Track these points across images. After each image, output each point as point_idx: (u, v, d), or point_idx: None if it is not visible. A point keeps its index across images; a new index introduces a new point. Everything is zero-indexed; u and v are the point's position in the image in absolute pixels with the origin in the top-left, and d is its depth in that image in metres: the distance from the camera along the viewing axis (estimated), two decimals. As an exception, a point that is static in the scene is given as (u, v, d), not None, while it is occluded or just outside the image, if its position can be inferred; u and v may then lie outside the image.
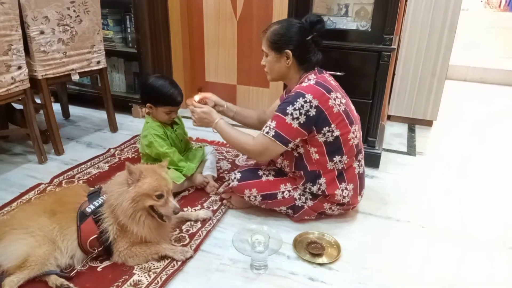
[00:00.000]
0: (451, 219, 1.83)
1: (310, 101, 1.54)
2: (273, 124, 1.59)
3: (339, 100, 1.60)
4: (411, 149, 2.58)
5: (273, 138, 1.58)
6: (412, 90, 2.88)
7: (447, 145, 2.69)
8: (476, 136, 2.86)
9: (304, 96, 1.55)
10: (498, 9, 5.12)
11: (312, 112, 1.55)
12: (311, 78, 1.61)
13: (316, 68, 1.67)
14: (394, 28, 2.01)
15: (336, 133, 1.59)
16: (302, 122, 1.55)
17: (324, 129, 1.58)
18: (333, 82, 1.68)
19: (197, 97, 1.86)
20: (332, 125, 1.58)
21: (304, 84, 1.60)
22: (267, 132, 1.59)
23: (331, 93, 1.59)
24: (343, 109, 1.61)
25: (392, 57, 2.11)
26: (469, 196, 2.04)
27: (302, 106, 1.54)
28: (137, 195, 1.37)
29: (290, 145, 1.60)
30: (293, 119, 1.55)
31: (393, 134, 2.81)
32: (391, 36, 2.01)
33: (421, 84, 2.84)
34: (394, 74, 2.85)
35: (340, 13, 2.17)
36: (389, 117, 3.05)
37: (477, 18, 4.94)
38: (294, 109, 1.55)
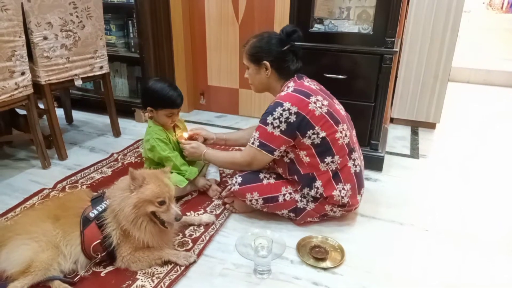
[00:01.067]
0: (455, 222, 1.82)
1: (288, 109, 1.58)
2: (257, 134, 1.65)
3: (320, 103, 1.63)
4: (414, 152, 2.58)
5: (258, 148, 1.65)
6: (414, 93, 2.87)
7: (451, 148, 2.68)
8: (480, 138, 2.85)
9: (282, 105, 1.59)
10: (500, 11, 5.11)
11: (292, 118, 1.58)
12: (290, 86, 1.67)
13: (296, 75, 1.72)
14: (396, 30, 2.01)
15: (322, 134, 1.61)
16: (283, 129, 1.59)
17: (309, 132, 1.60)
18: (314, 86, 1.71)
19: (186, 134, 1.99)
20: (316, 127, 1.60)
21: (282, 94, 1.65)
22: (253, 143, 1.66)
23: (311, 97, 1.62)
24: (326, 110, 1.63)
25: (394, 60, 2.11)
26: (472, 199, 2.03)
27: (281, 114, 1.59)
28: (139, 201, 1.37)
29: (276, 153, 1.65)
30: (273, 127, 1.60)
31: (396, 137, 2.81)
32: (393, 39, 2.01)
33: (424, 87, 2.83)
34: (396, 76, 2.84)
35: (341, 16, 2.18)
36: (392, 120, 3.04)
37: (480, 20, 4.93)
38: (274, 119, 1.60)
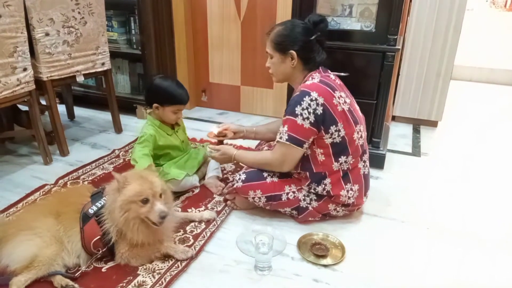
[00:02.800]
0: (456, 220, 1.82)
1: (316, 99, 1.54)
2: (285, 128, 1.59)
3: (343, 99, 1.61)
4: (416, 150, 2.57)
5: (287, 142, 1.59)
6: (417, 91, 2.86)
7: (452, 146, 2.67)
8: (482, 136, 2.84)
9: (309, 95, 1.55)
10: (503, 9, 5.07)
11: (319, 110, 1.55)
12: (315, 77, 1.62)
13: (320, 67, 1.68)
14: (399, 28, 2.00)
15: (342, 132, 1.59)
16: (312, 121, 1.56)
17: (332, 128, 1.58)
18: (338, 81, 1.68)
19: (215, 130, 1.93)
20: (339, 124, 1.58)
21: (308, 83, 1.61)
22: (281, 138, 1.61)
23: (335, 91, 1.59)
24: (347, 108, 1.61)
25: (396, 58, 2.10)
26: (474, 198, 2.03)
27: (309, 104, 1.55)
28: (124, 203, 1.35)
29: (305, 145, 1.61)
30: (303, 119, 1.55)
31: (398, 135, 2.80)
32: (396, 37, 2.00)
33: (426, 85, 2.83)
34: (398, 74, 2.84)
35: (344, 13, 2.17)
36: (393, 118, 3.04)
37: (483, 18, 4.90)
38: (303, 109, 1.55)
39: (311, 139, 1.60)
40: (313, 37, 1.62)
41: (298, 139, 1.58)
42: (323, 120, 1.56)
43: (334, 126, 1.58)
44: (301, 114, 1.55)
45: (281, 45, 1.63)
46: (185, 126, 2.13)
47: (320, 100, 1.55)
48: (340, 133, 1.59)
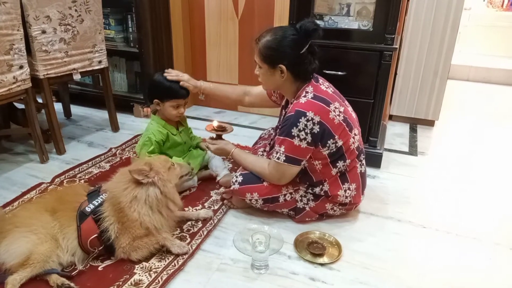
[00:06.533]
0: (453, 220, 1.83)
1: (312, 118, 1.52)
2: (282, 149, 1.58)
3: (338, 110, 1.58)
4: (412, 149, 2.58)
5: (286, 163, 1.59)
6: (414, 90, 2.87)
7: (449, 145, 2.68)
8: (478, 136, 2.85)
9: (305, 115, 1.52)
10: (500, 9, 5.09)
11: (316, 129, 1.53)
12: (309, 91, 1.58)
13: (312, 77, 1.63)
14: (396, 27, 2.00)
15: (339, 143, 1.59)
16: (309, 141, 1.55)
17: (329, 142, 1.57)
18: (330, 90, 1.64)
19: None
20: (336, 136, 1.57)
21: (302, 101, 1.56)
22: (278, 158, 1.59)
23: (330, 105, 1.56)
24: (342, 118, 1.59)
25: (393, 57, 2.10)
26: (471, 197, 2.04)
27: (306, 125, 1.52)
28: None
29: (303, 162, 1.61)
30: (300, 140, 1.54)
31: (394, 134, 2.81)
32: (393, 36, 2.00)
33: (423, 84, 2.83)
34: (395, 73, 2.84)
35: (341, 12, 2.17)
36: (390, 117, 3.04)
37: (480, 17, 4.92)
38: (299, 130, 1.53)
39: (308, 156, 1.60)
40: (303, 50, 1.55)
41: (296, 158, 1.58)
42: (321, 137, 1.55)
43: (331, 139, 1.57)
44: (298, 136, 1.54)
45: (269, 59, 1.57)
46: (190, 128, 2.12)
47: (317, 119, 1.53)
48: (337, 144, 1.59)
